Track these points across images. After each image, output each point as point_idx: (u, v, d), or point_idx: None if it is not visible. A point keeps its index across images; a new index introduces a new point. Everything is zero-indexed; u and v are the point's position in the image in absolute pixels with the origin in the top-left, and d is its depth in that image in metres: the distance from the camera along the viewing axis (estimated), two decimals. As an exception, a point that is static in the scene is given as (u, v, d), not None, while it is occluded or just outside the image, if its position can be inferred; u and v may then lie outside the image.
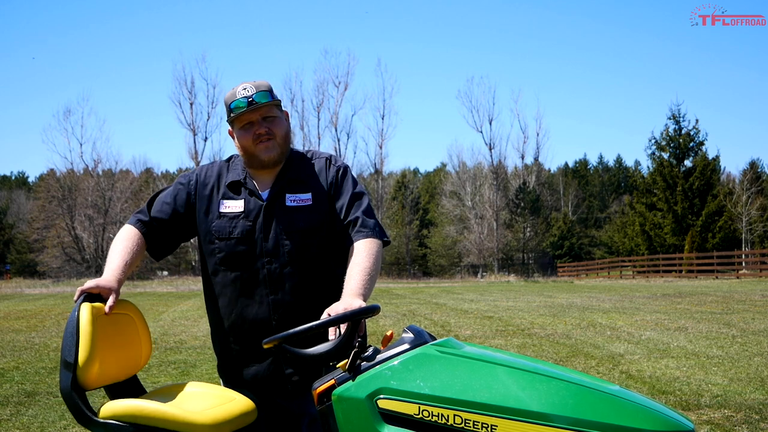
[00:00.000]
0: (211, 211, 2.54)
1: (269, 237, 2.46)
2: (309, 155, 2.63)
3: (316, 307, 2.40)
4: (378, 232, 2.49)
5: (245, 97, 2.45)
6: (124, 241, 2.50)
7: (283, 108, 2.59)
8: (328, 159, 2.62)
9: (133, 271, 2.59)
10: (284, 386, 2.48)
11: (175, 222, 2.56)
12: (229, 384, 2.58)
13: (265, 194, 2.52)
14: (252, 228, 2.47)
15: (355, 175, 2.67)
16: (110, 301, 2.30)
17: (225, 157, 2.72)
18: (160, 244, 2.59)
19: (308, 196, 2.51)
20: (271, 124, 2.49)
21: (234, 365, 2.54)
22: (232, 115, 2.48)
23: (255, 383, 2.50)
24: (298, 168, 2.57)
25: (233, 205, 2.52)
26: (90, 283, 2.31)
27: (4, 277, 47.75)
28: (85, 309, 2.23)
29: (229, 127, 2.56)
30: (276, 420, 2.54)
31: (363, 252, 2.39)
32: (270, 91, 2.49)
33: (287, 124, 2.58)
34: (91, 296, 2.30)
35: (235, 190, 2.55)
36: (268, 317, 2.45)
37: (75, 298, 2.29)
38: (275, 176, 2.55)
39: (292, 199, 2.50)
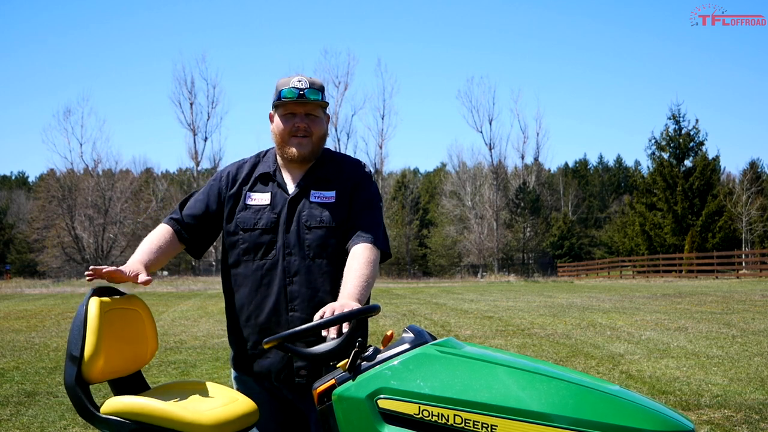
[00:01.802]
0: (238, 204, 2.62)
1: (291, 230, 2.54)
2: (339, 157, 2.72)
3: (329, 301, 2.45)
4: (379, 242, 2.54)
5: (297, 88, 2.53)
6: (153, 237, 2.58)
7: (327, 112, 2.69)
8: (357, 164, 2.71)
9: (161, 267, 2.64)
10: (292, 380, 2.51)
11: (208, 217, 2.65)
12: (241, 376, 2.62)
13: (292, 188, 2.60)
14: (277, 220, 2.55)
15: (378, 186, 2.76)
16: (141, 277, 2.34)
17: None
18: (196, 240, 2.66)
19: (332, 194, 2.59)
20: (311, 122, 2.58)
21: (249, 356, 2.58)
22: (279, 100, 2.56)
23: (268, 376, 2.55)
24: (326, 167, 2.65)
25: (259, 198, 2.60)
26: (117, 268, 2.32)
27: (4, 277, 47.72)
28: (94, 303, 2.26)
29: (271, 110, 2.64)
30: (285, 415, 2.58)
31: (360, 258, 2.44)
32: (322, 91, 2.59)
33: (326, 127, 2.67)
34: (100, 291, 2.33)
35: (264, 182, 2.64)
36: (284, 308, 2.51)
37: (88, 274, 2.27)
38: (304, 172, 2.63)
39: (316, 196, 2.58)
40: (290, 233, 2.53)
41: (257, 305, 2.54)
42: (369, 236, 2.51)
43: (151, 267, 2.48)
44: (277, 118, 2.60)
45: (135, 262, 2.43)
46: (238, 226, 2.58)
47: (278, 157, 2.67)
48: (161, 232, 2.60)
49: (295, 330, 2.03)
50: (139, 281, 2.34)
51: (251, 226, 2.56)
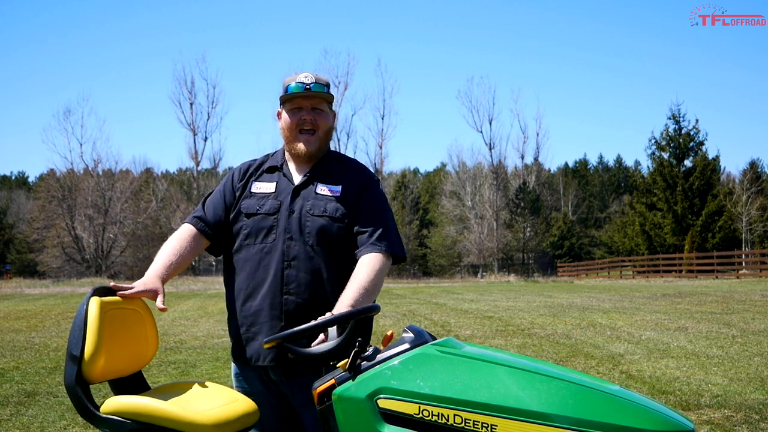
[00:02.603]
0: (244, 193, 2.69)
1: (293, 216, 2.59)
2: (346, 159, 2.79)
3: (325, 289, 2.52)
4: (392, 247, 2.57)
5: (303, 83, 2.61)
6: (174, 241, 2.64)
7: (333, 108, 2.75)
8: (364, 168, 2.78)
9: (182, 270, 2.76)
10: (285, 362, 2.52)
11: (228, 211, 2.70)
12: (241, 372, 2.64)
13: (298, 179, 2.67)
14: (280, 206, 2.61)
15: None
16: (159, 302, 2.42)
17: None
18: (219, 236, 2.71)
19: (338, 188, 2.64)
20: (317, 116, 2.65)
21: (244, 341, 2.60)
22: (286, 95, 2.63)
23: (259, 360, 2.55)
24: (333, 164, 2.72)
25: (264, 187, 2.68)
26: (138, 285, 2.43)
27: (4, 277, 47.69)
28: (94, 303, 2.26)
29: (279, 108, 2.72)
30: (284, 412, 2.60)
31: (366, 267, 2.48)
32: (327, 86, 2.67)
33: (332, 122, 2.73)
34: (101, 291, 2.34)
35: (270, 172, 2.72)
36: (279, 290, 2.53)
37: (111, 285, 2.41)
38: (311, 166, 2.70)
39: (322, 188, 2.64)
40: (292, 219, 2.58)
41: (254, 287, 2.57)
42: (380, 244, 2.54)
43: (170, 276, 2.55)
44: (284, 114, 2.68)
45: (152, 277, 2.48)
46: (241, 212, 2.64)
47: (286, 153, 2.74)
48: (182, 234, 2.66)
49: (294, 330, 2.03)
50: (157, 306, 2.42)
51: (254, 211, 2.62)
